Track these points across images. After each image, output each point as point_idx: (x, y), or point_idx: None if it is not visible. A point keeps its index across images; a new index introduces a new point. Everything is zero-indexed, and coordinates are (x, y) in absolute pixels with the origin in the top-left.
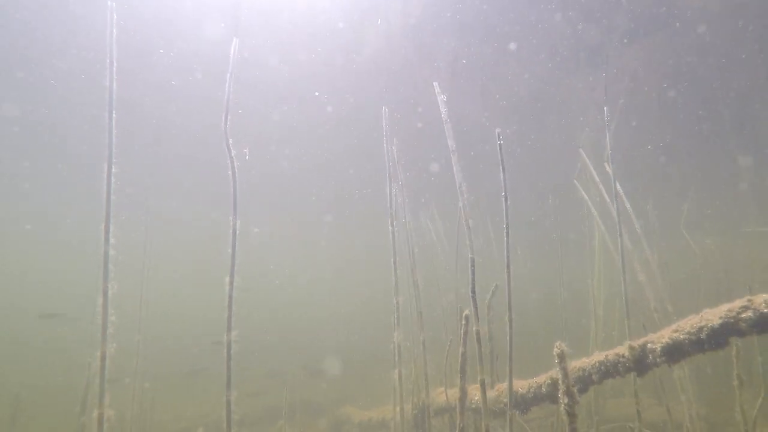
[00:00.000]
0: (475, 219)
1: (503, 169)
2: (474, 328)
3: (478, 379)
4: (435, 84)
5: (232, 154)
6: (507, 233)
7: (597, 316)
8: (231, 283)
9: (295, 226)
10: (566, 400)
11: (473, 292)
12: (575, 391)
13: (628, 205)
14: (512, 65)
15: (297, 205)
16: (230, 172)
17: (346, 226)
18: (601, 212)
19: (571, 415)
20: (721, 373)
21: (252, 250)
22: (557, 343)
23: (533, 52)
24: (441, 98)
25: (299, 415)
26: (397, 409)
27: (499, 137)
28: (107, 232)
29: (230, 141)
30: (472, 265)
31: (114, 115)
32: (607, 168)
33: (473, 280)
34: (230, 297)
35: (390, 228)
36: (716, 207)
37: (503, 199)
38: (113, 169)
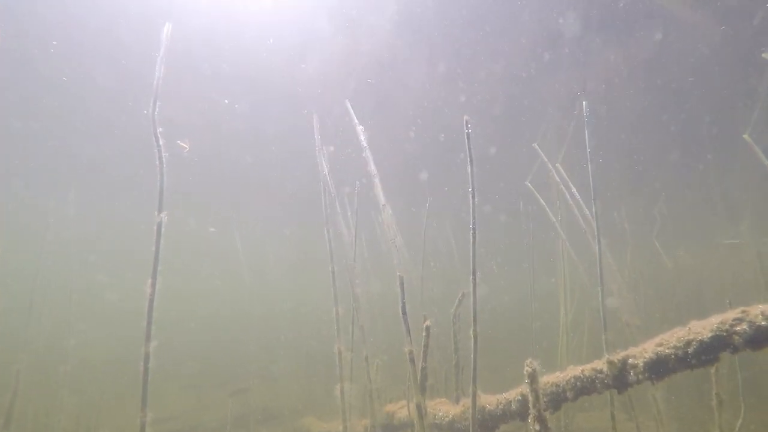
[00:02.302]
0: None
1: (471, 161)
2: (406, 349)
3: (415, 399)
4: (346, 101)
5: (160, 144)
6: (474, 234)
7: (565, 327)
8: (153, 285)
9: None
10: (537, 427)
11: (404, 312)
12: (547, 416)
13: (582, 210)
14: (488, 61)
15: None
16: (157, 163)
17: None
18: (565, 217)
19: None
20: (693, 389)
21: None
22: (528, 361)
23: (509, 48)
24: (359, 128)
25: (254, 425)
26: (341, 427)
27: (466, 125)
28: None
29: (159, 129)
30: (401, 284)
31: None
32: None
33: (403, 299)
34: (151, 301)
35: (326, 237)
36: (688, 217)
37: (470, 195)
38: None
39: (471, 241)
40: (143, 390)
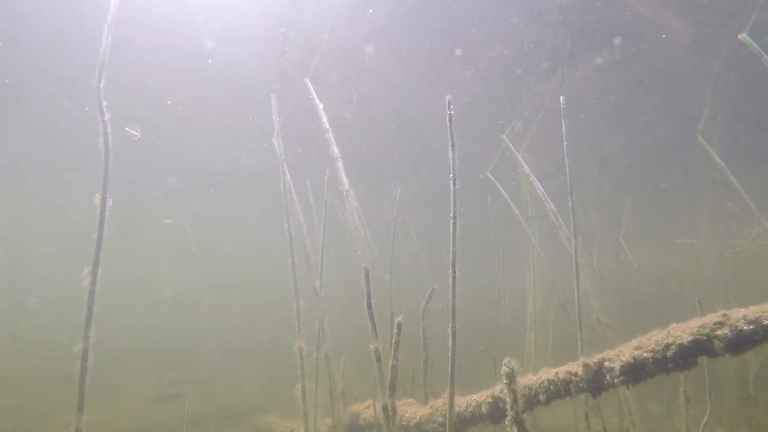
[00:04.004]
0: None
1: (453, 145)
2: (372, 346)
3: (381, 402)
4: (306, 81)
5: (105, 118)
6: (454, 223)
7: (533, 326)
8: (94, 274)
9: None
10: (515, 430)
11: (369, 306)
12: (524, 418)
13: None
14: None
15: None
16: (102, 139)
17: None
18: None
19: None
20: (659, 386)
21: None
22: (506, 360)
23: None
24: (320, 108)
25: (213, 424)
26: (303, 427)
27: (449, 106)
28: None
29: (104, 103)
30: (366, 276)
31: None
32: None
33: (368, 291)
34: (91, 293)
35: (286, 227)
36: (651, 218)
37: (451, 181)
38: None
39: (451, 231)
40: (80, 391)
